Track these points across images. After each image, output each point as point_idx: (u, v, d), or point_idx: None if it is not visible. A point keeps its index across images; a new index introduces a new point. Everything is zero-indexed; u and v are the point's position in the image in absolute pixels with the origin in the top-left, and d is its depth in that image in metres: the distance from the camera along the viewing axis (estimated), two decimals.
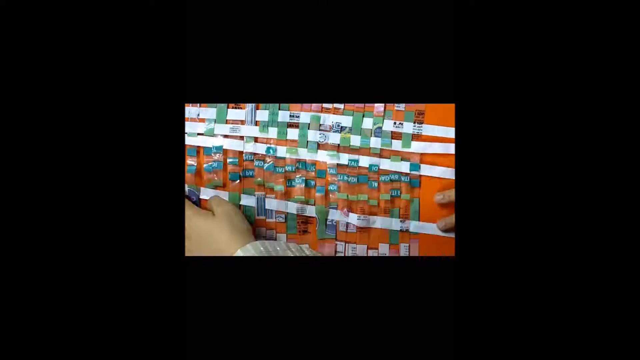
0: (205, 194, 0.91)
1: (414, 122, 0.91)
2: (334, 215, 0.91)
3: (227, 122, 0.91)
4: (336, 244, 0.92)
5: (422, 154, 0.91)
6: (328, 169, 0.91)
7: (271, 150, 0.91)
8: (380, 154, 0.91)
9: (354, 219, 0.90)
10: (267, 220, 0.92)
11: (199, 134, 0.91)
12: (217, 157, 0.90)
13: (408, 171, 0.91)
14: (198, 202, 0.91)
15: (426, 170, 0.91)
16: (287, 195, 0.91)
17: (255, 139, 0.91)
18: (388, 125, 0.91)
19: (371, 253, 0.92)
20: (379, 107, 0.91)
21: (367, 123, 0.91)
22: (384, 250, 0.92)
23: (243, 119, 0.91)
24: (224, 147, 0.90)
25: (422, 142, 0.91)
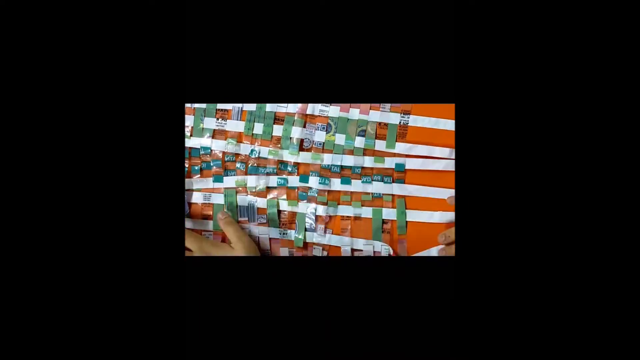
0: (196, 199, 0.94)
1: (401, 114, 0.93)
2: (311, 222, 0.94)
3: (216, 112, 0.94)
4: (313, 248, 0.94)
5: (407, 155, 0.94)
6: (311, 174, 0.94)
7: (254, 152, 0.94)
8: (364, 154, 0.94)
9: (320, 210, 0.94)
10: (250, 222, 0.94)
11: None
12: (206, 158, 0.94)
13: (393, 170, 0.94)
14: (188, 209, 0.94)
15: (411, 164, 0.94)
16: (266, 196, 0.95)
17: (239, 140, 0.94)
18: (375, 117, 0.93)
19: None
20: (364, 108, 0.94)
21: (354, 114, 0.93)
22: (368, 251, 0.94)
23: (230, 108, 0.94)
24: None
25: (406, 143, 0.94)
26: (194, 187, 0.94)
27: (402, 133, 0.94)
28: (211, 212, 0.95)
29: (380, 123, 0.94)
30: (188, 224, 0.93)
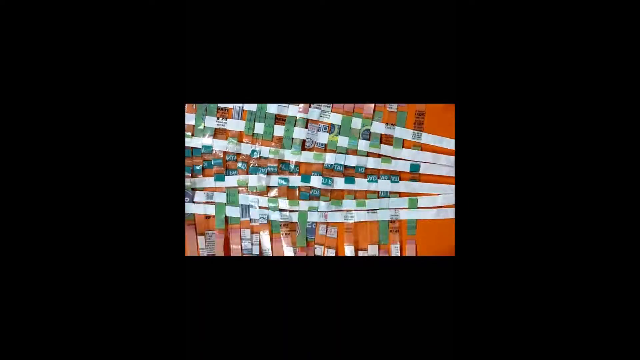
0: (199, 197, 0.94)
1: (414, 127, 0.93)
2: (313, 217, 0.94)
3: (217, 111, 0.93)
4: (314, 247, 0.94)
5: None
6: (313, 174, 0.94)
7: (255, 153, 0.94)
8: (368, 155, 0.94)
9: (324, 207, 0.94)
10: (251, 223, 0.94)
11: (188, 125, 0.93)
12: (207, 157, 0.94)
13: (400, 171, 0.94)
14: (191, 195, 0.94)
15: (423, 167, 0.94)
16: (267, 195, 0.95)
17: (240, 139, 0.94)
18: (379, 128, 0.93)
19: (359, 255, 0.94)
20: (368, 109, 0.93)
21: (356, 123, 0.93)
22: (373, 251, 0.93)
23: (231, 107, 0.94)
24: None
25: (412, 150, 0.93)
26: (197, 187, 0.94)
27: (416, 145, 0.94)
28: (213, 213, 0.95)
29: (387, 124, 0.94)
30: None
